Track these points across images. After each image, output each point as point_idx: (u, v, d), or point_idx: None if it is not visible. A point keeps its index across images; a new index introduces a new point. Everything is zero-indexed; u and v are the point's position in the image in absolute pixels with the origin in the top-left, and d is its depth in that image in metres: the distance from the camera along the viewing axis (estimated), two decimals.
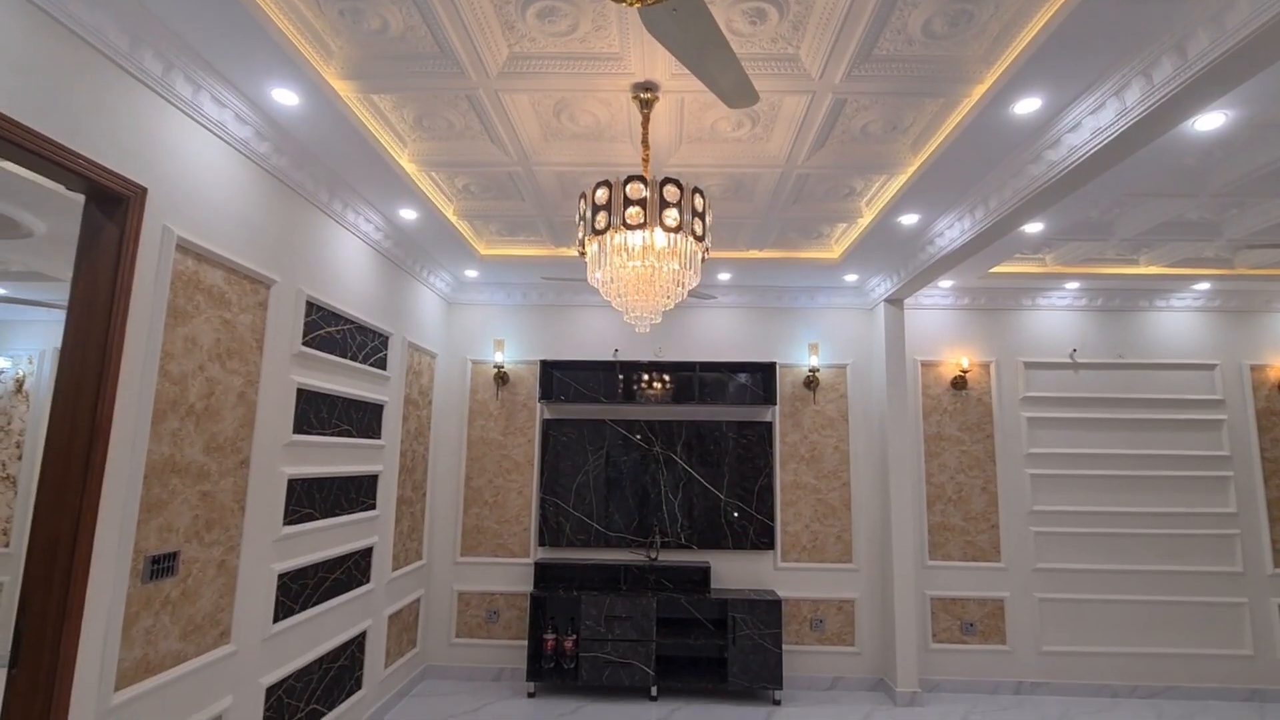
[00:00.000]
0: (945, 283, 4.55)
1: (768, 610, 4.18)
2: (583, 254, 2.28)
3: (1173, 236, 3.80)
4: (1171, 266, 4.32)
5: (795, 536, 4.59)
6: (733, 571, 4.55)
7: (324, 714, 3.11)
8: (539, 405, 4.70)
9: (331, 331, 3.14)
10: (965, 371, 4.64)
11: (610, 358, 4.67)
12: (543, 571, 4.45)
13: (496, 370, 4.68)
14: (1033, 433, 4.64)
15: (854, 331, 4.79)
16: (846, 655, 4.47)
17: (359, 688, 3.47)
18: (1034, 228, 3.35)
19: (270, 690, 2.68)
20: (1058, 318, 4.77)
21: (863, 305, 4.79)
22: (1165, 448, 4.59)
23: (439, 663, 4.47)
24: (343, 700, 3.29)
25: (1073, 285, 4.58)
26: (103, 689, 1.90)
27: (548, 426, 4.65)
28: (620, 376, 4.58)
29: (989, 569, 4.52)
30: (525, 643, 4.35)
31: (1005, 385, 4.70)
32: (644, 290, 2.26)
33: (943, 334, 4.76)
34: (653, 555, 4.48)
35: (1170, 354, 4.70)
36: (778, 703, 4.14)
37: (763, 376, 4.66)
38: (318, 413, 3.03)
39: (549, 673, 4.22)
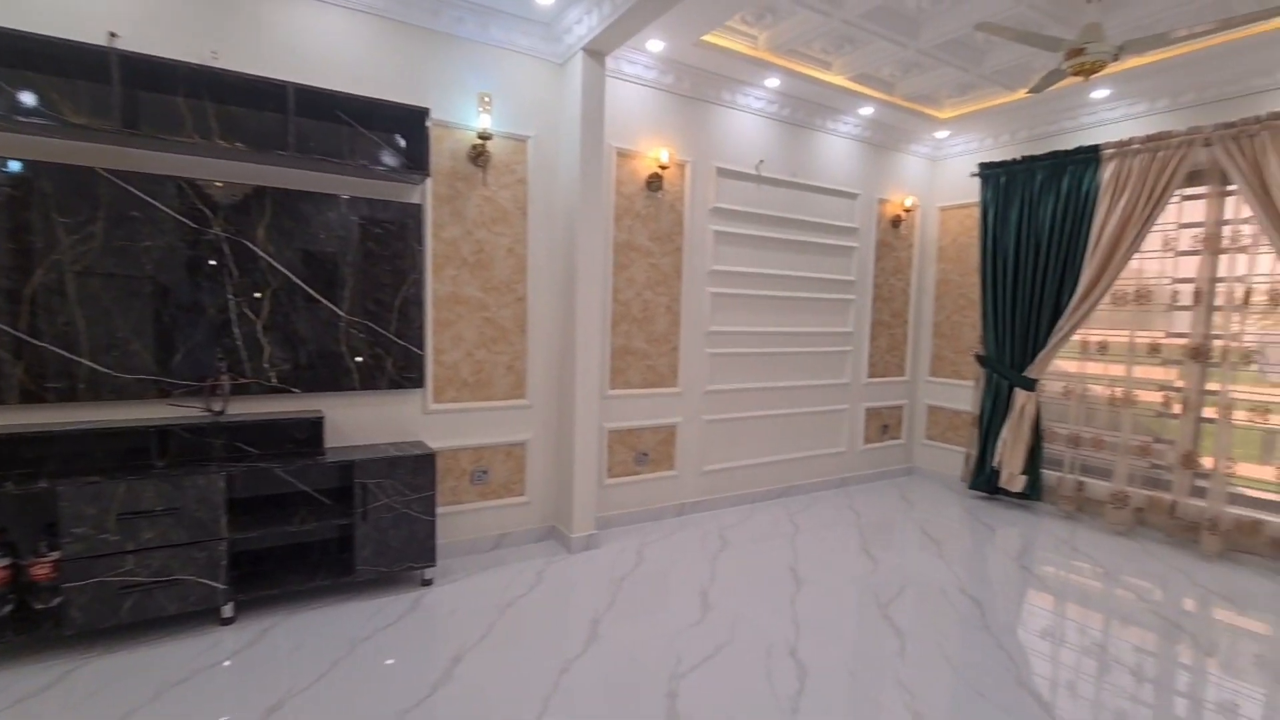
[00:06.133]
0: (655, 45, 3.56)
1: (415, 468, 2.95)
2: None
3: (877, 30, 3.48)
4: (853, 80, 4.15)
5: (453, 369, 3.37)
6: (361, 421, 3.14)
7: None
8: None
9: None
10: (663, 169, 3.86)
11: (101, 43, 2.42)
12: None
13: None
14: (718, 248, 4.25)
15: (540, 92, 3.50)
16: (513, 507, 3.62)
17: None
18: None
19: None
20: (751, 123, 4.31)
21: (554, 55, 3.49)
22: (816, 271, 4.74)
23: None
24: None
25: (772, 83, 4.10)
26: None
27: None
28: (123, 85, 2.40)
29: (666, 395, 4.12)
30: None
31: (699, 192, 4.12)
32: None
33: (643, 118, 3.85)
34: (218, 407, 2.72)
35: (830, 179, 4.76)
36: (428, 582, 3.07)
37: (408, 131, 3.06)
38: None
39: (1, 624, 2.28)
